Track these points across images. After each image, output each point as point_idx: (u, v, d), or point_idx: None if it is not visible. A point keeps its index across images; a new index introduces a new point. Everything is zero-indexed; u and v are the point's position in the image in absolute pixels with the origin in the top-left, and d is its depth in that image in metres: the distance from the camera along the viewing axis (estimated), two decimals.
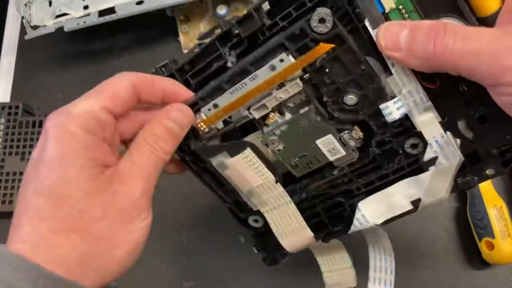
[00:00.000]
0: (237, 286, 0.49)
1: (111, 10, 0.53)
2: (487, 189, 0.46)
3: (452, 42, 0.23)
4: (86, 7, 0.56)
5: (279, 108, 0.30)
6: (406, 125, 0.29)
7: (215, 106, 0.30)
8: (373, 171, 0.31)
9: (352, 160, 0.31)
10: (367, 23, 0.27)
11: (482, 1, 0.25)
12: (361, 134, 0.30)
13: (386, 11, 0.27)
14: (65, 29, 0.53)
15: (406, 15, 0.27)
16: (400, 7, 0.27)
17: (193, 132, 0.32)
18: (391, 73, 0.28)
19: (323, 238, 0.34)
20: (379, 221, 0.31)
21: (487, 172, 0.29)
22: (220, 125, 0.31)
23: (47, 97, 0.59)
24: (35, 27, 0.56)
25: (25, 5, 0.56)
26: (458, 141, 0.29)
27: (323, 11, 0.26)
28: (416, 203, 0.30)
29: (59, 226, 0.25)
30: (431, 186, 0.30)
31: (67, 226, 0.25)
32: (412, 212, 0.31)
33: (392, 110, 0.28)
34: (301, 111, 0.30)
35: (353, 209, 0.32)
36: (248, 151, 0.31)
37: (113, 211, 0.26)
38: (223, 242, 0.50)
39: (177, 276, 0.49)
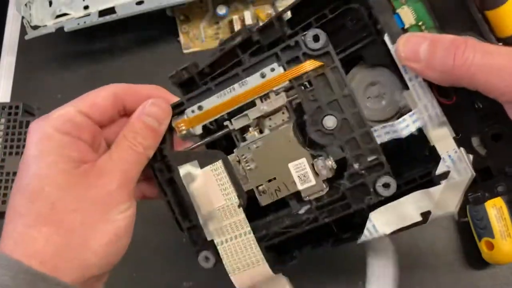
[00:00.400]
0: None
1: (111, 10, 0.53)
2: None
3: (472, 57, 0.23)
4: (86, 7, 0.56)
5: (259, 126, 0.31)
6: (381, 159, 0.29)
7: (200, 108, 0.31)
8: (341, 210, 0.30)
9: (321, 194, 0.30)
10: (386, 37, 0.28)
11: (502, 21, 0.26)
12: (334, 164, 0.29)
13: (406, 27, 0.28)
14: (65, 29, 0.53)
15: (426, 32, 0.27)
16: (420, 23, 0.28)
17: (170, 139, 0.32)
18: (407, 87, 0.28)
19: (332, 244, 0.34)
20: (388, 231, 0.31)
21: (498, 189, 0.29)
22: (199, 130, 0.31)
23: (47, 97, 0.59)
24: (35, 27, 0.56)
25: (25, 5, 0.56)
26: (471, 157, 0.29)
27: (318, 30, 0.28)
28: (426, 215, 0.30)
29: (34, 220, 0.26)
30: (441, 200, 0.30)
31: (41, 220, 0.26)
32: (421, 224, 0.31)
33: (409, 124, 0.29)
34: (280, 128, 0.30)
35: (362, 216, 0.31)
36: (219, 163, 0.30)
37: (88, 203, 0.27)
38: None
39: (177, 276, 0.49)
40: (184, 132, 0.31)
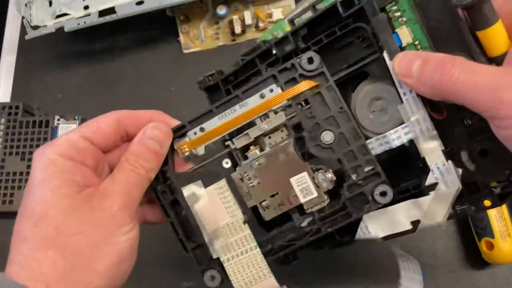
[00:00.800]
0: None
1: (111, 10, 0.53)
2: None
3: (458, 74, 0.25)
4: (86, 7, 0.56)
5: (260, 145, 0.32)
6: (377, 169, 0.31)
7: (202, 129, 0.32)
8: (342, 220, 0.31)
9: (323, 205, 0.31)
10: (385, 54, 0.30)
11: (492, 41, 0.27)
12: (334, 176, 0.31)
13: (403, 45, 0.30)
14: (66, 29, 0.53)
15: (421, 50, 0.30)
16: (417, 42, 0.30)
17: (172, 161, 0.33)
18: (402, 101, 0.30)
19: (332, 246, 0.35)
20: (380, 235, 0.33)
21: (484, 203, 0.31)
22: (201, 151, 0.32)
23: (47, 97, 0.59)
24: (35, 27, 0.56)
25: (26, 5, 0.56)
26: (460, 170, 0.31)
27: (312, 53, 0.30)
28: (415, 224, 0.32)
29: (39, 244, 0.26)
30: (430, 210, 0.31)
31: (46, 244, 0.26)
32: (411, 232, 0.32)
33: (401, 135, 0.31)
34: (281, 145, 0.31)
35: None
36: (223, 182, 0.32)
37: (91, 225, 0.27)
38: None
39: (177, 276, 0.49)
40: (187, 153, 0.32)
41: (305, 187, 0.31)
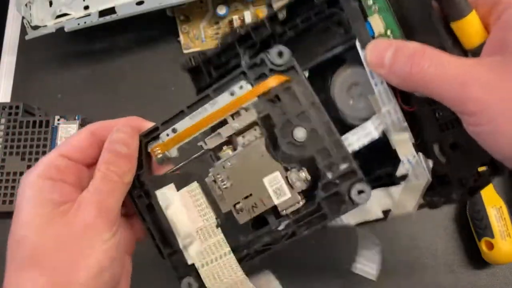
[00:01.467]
0: None
1: (111, 10, 0.53)
2: (487, 189, 0.46)
3: (427, 66, 0.24)
4: (86, 7, 0.56)
5: (233, 145, 0.31)
6: (352, 166, 0.29)
7: (174, 130, 0.31)
8: (318, 222, 0.30)
9: (298, 206, 0.30)
10: (357, 43, 0.29)
11: (466, 33, 0.27)
12: (308, 175, 0.29)
13: (376, 35, 0.29)
14: (66, 29, 0.53)
15: (389, 33, 0.29)
16: (389, 32, 0.29)
17: (148, 165, 0.32)
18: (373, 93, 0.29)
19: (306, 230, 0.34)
20: (353, 222, 0.32)
21: (454, 195, 0.31)
22: (174, 152, 0.31)
23: (48, 97, 0.59)
24: (35, 27, 0.56)
25: (26, 5, 0.56)
26: (430, 162, 0.30)
27: (281, 47, 0.29)
28: (386, 213, 0.32)
29: (20, 266, 0.27)
30: (400, 200, 0.31)
31: (26, 264, 0.27)
32: (382, 220, 0.32)
33: (371, 130, 0.30)
34: (253, 143, 0.30)
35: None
36: (195, 184, 0.31)
37: (67, 239, 0.27)
38: None
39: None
40: (160, 155, 0.31)
41: (278, 188, 0.30)
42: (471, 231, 0.47)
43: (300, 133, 0.29)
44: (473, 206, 0.46)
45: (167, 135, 0.31)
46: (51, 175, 0.29)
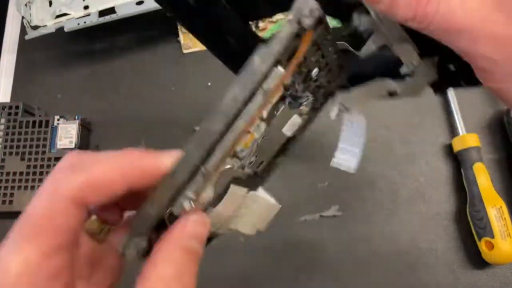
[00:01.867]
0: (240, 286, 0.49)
1: (111, 10, 0.53)
2: (487, 189, 0.46)
3: (434, 12, 0.22)
4: (86, 7, 0.56)
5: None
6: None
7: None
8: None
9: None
10: None
11: None
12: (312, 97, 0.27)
13: None
14: (66, 29, 0.53)
15: None
16: None
17: None
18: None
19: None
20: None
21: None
22: (210, 193, 0.24)
23: (47, 97, 0.59)
24: (35, 27, 0.56)
25: (26, 5, 0.56)
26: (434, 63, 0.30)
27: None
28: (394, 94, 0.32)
29: None
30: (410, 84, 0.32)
31: None
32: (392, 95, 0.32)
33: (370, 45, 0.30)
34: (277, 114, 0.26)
35: None
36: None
37: None
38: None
39: None
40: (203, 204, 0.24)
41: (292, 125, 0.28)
42: (471, 231, 0.47)
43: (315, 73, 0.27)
44: (473, 206, 0.46)
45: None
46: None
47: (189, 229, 0.22)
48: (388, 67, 0.31)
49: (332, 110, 0.33)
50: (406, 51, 0.29)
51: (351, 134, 0.38)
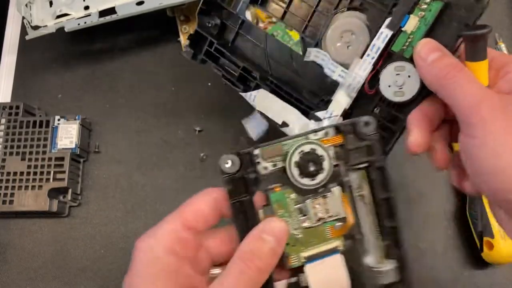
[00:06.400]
0: None
1: (111, 11, 0.53)
2: None
3: (459, 78, 0.29)
4: (86, 8, 0.56)
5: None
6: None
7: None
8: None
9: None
10: (387, 20, 0.34)
11: (476, 75, 0.30)
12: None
13: (402, 29, 0.34)
14: (66, 30, 0.53)
15: (411, 36, 0.34)
16: (411, 36, 0.34)
17: None
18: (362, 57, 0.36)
19: None
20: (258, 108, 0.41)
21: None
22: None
23: (48, 97, 0.59)
24: (35, 28, 0.56)
25: (26, 5, 0.56)
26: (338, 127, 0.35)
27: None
28: (284, 125, 0.40)
29: None
30: (300, 129, 0.39)
31: None
32: (277, 126, 0.40)
33: (335, 73, 0.37)
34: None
35: None
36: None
37: None
38: None
39: None
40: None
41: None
42: (471, 231, 0.47)
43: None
44: (473, 206, 0.46)
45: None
46: (175, 250, 0.26)
47: (265, 226, 0.28)
48: None
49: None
50: (341, 101, 0.38)
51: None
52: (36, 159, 0.53)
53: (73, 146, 0.53)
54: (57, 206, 0.52)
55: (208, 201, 0.29)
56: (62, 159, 0.52)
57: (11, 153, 0.53)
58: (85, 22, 0.53)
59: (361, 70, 0.36)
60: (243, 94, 0.42)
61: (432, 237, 0.49)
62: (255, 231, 0.27)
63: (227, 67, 0.44)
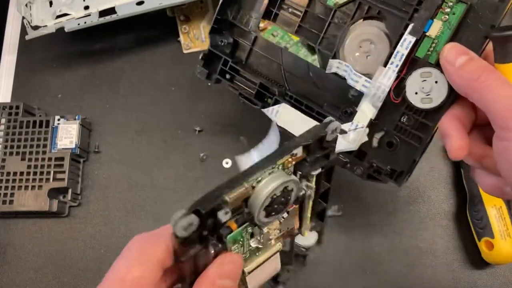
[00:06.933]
0: None
1: (111, 11, 0.53)
2: None
3: (493, 80, 0.28)
4: (86, 8, 0.56)
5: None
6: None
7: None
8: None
9: None
10: (410, 26, 0.34)
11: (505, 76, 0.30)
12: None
13: (427, 33, 0.34)
14: (66, 29, 0.53)
15: (435, 41, 0.34)
16: (436, 41, 0.34)
17: None
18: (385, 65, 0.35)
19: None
20: (279, 123, 0.41)
21: (357, 171, 0.39)
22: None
23: (48, 97, 0.59)
24: (35, 28, 0.56)
25: (26, 5, 0.56)
26: (366, 138, 0.37)
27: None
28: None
29: None
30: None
31: None
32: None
33: (359, 83, 0.37)
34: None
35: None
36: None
37: None
38: None
39: None
40: None
41: None
42: (471, 231, 0.47)
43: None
44: (473, 206, 0.46)
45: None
46: None
47: (219, 268, 0.24)
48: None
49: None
50: (366, 112, 0.37)
51: (266, 145, 0.42)
52: (36, 159, 0.53)
53: (73, 146, 0.53)
54: (57, 206, 0.52)
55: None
56: (62, 159, 0.52)
57: (11, 153, 0.53)
58: (85, 22, 0.53)
59: (386, 79, 0.35)
60: (264, 110, 0.42)
61: (432, 237, 0.49)
62: (208, 278, 0.24)
63: (243, 85, 0.44)
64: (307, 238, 0.32)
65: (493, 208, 0.45)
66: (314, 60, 0.40)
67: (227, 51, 0.44)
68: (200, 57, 0.45)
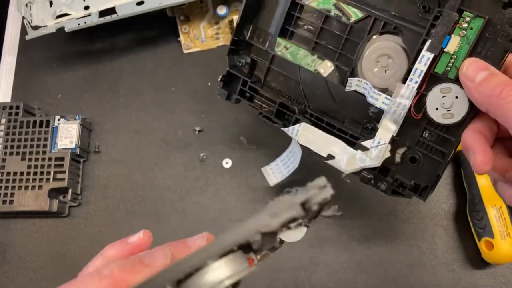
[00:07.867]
0: None
1: (111, 11, 0.53)
2: (487, 189, 0.46)
3: None
4: (86, 8, 0.56)
5: None
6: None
7: None
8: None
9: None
10: (427, 43, 0.34)
11: None
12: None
13: (445, 49, 0.34)
14: (66, 30, 0.53)
15: (454, 57, 0.34)
16: (454, 56, 0.34)
17: None
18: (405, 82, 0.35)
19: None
20: (301, 142, 0.41)
21: (381, 186, 0.39)
22: None
23: (48, 97, 0.59)
24: (35, 28, 0.56)
25: (26, 5, 0.56)
26: (388, 153, 0.37)
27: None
28: (330, 156, 0.39)
29: None
30: (348, 160, 0.39)
31: None
32: (322, 159, 0.40)
33: (379, 101, 0.36)
34: None
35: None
36: None
37: None
38: None
39: None
40: None
41: None
42: (471, 231, 0.47)
43: None
44: (473, 206, 0.46)
45: None
46: None
47: None
48: None
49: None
50: (387, 129, 0.37)
51: (289, 158, 0.45)
52: (36, 159, 0.53)
53: (73, 146, 0.53)
54: (57, 206, 0.52)
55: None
56: (62, 159, 0.52)
57: (11, 153, 0.53)
58: (85, 22, 0.53)
59: (405, 96, 0.35)
60: (284, 129, 0.42)
61: (431, 237, 0.49)
62: None
63: (262, 104, 0.44)
64: (294, 235, 0.27)
65: (493, 208, 0.45)
66: (329, 68, 0.40)
67: (245, 71, 0.44)
68: (219, 79, 0.45)
